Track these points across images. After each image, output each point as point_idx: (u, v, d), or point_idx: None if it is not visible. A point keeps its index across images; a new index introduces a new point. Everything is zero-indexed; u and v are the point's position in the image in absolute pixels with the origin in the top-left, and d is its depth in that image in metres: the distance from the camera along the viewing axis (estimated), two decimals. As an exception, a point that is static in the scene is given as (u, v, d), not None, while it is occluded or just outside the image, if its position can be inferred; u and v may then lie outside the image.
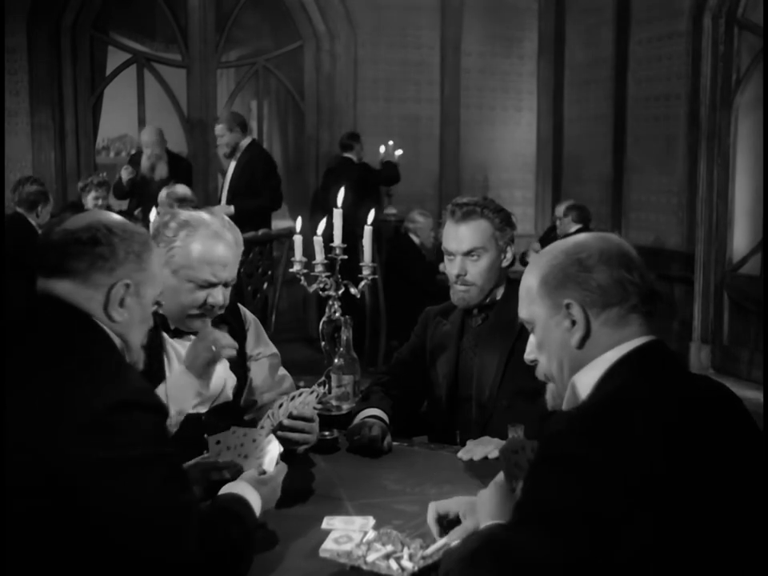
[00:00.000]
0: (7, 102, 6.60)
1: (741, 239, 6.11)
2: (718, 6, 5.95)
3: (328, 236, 2.39)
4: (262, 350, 2.41)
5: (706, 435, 1.34)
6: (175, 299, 2.12)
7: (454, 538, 1.62)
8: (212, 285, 2.14)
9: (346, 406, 2.36)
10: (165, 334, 2.19)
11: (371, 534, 1.72)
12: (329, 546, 1.69)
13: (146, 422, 1.43)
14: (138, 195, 6.23)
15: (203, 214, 2.20)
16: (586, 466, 1.28)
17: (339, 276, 2.39)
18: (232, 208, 5.77)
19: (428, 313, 2.69)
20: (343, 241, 2.40)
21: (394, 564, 1.59)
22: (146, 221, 2.47)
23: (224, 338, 2.12)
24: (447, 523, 1.67)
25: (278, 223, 6.26)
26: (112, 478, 1.37)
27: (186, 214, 2.20)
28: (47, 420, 1.36)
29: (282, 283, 5.82)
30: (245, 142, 6.05)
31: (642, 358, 1.43)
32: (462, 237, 2.48)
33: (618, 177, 6.92)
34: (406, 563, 1.59)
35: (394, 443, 2.35)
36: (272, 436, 1.89)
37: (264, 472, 1.75)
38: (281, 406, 2.10)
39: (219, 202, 6.16)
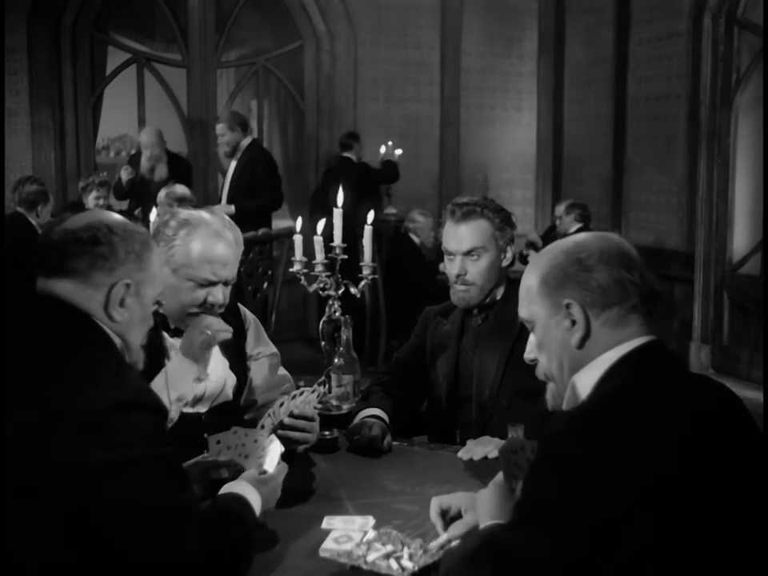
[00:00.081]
0: (7, 101, 6.60)
1: (741, 239, 6.11)
2: (717, 5, 5.95)
3: (328, 236, 2.39)
4: (262, 349, 2.41)
5: (706, 435, 1.34)
6: (175, 298, 2.12)
7: (455, 533, 1.62)
8: (212, 283, 2.14)
9: (345, 406, 2.36)
10: (165, 334, 2.19)
11: (371, 534, 1.72)
12: (329, 546, 1.69)
13: (145, 422, 1.43)
14: (138, 196, 6.22)
15: (203, 213, 2.20)
16: (586, 466, 1.28)
17: (339, 276, 2.39)
18: (233, 207, 5.77)
19: (428, 313, 2.69)
20: (343, 241, 2.40)
21: (394, 564, 1.59)
22: (145, 221, 2.47)
23: (217, 322, 2.12)
24: (449, 519, 1.68)
25: (278, 223, 6.26)
26: (112, 478, 1.37)
27: (185, 212, 2.20)
28: (47, 420, 1.36)
29: (281, 283, 5.83)
30: (245, 142, 6.05)
31: (642, 358, 1.43)
32: (461, 237, 2.48)
33: (618, 177, 6.92)
34: (406, 563, 1.59)
35: (394, 443, 2.35)
36: (273, 436, 1.90)
37: (264, 472, 1.75)
38: (282, 404, 2.10)
39: (219, 201, 6.16)
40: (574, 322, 1.46)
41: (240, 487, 1.65)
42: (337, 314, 2.38)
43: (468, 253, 2.48)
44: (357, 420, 2.37)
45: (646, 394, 1.37)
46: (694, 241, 6.17)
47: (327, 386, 2.32)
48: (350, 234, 2.48)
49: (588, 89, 7.31)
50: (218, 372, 2.24)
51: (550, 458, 1.33)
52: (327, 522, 1.81)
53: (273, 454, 1.81)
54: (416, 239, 6.32)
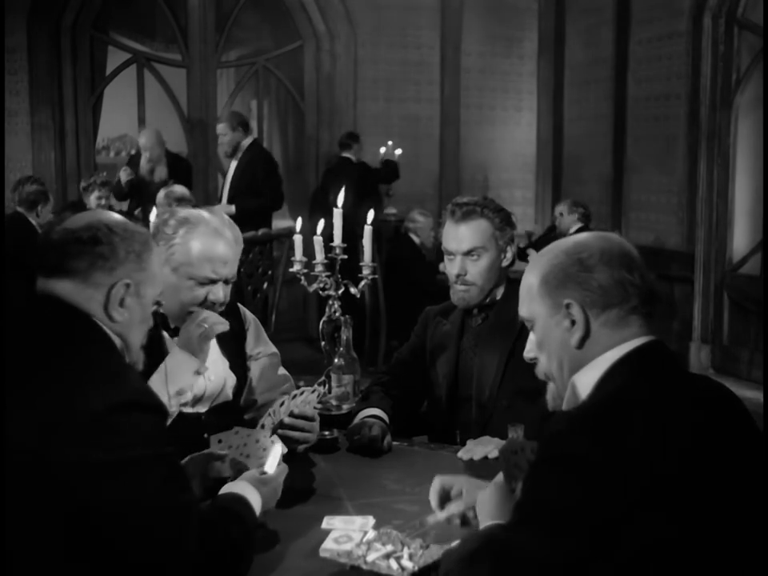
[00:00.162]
0: (7, 101, 6.60)
1: (741, 239, 6.11)
2: (717, 5, 5.95)
3: (328, 236, 2.39)
4: (262, 349, 2.41)
5: (706, 435, 1.34)
6: (176, 297, 2.12)
7: (451, 511, 1.64)
8: (212, 282, 2.15)
9: (345, 406, 2.36)
10: (165, 333, 2.19)
11: (371, 534, 1.72)
12: (329, 546, 1.69)
13: (145, 422, 1.43)
14: (138, 196, 6.22)
15: (202, 212, 2.21)
16: (586, 466, 1.28)
17: (339, 276, 2.39)
18: (233, 207, 5.77)
19: (428, 313, 2.69)
20: (343, 241, 2.40)
21: (394, 564, 1.60)
22: (146, 221, 2.47)
23: (214, 315, 2.12)
24: (450, 498, 1.70)
25: (278, 223, 6.26)
26: (112, 478, 1.37)
27: (185, 211, 2.21)
28: (47, 420, 1.36)
29: (281, 283, 5.83)
30: (246, 142, 6.05)
31: (642, 358, 1.43)
32: (461, 237, 2.48)
33: (618, 177, 6.92)
34: (406, 563, 1.59)
35: (394, 443, 2.35)
36: (276, 437, 1.90)
37: (265, 472, 1.75)
38: (282, 404, 2.10)
39: (220, 201, 6.16)
40: (573, 322, 1.46)
41: (240, 487, 1.66)
42: (337, 314, 2.38)
43: (468, 253, 2.48)
44: (357, 420, 2.37)
45: (646, 394, 1.37)
46: (694, 241, 6.17)
47: (327, 386, 2.32)
48: (349, 233, 2.48)
49: (588, 89, 7.31)
50: (218, 372, 2.24)
51: (550, 458, 1.33)
52: (327, 522, 1.81)
53: (274, 455, 1.82)
54: (416, 239, 6.32)
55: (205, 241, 2.14)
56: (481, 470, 2.11)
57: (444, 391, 2.55)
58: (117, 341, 1.56)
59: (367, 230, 2.46)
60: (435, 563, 1.58)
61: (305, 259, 2.41)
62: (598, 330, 1.45)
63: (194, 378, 2.07)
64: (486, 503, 1.62)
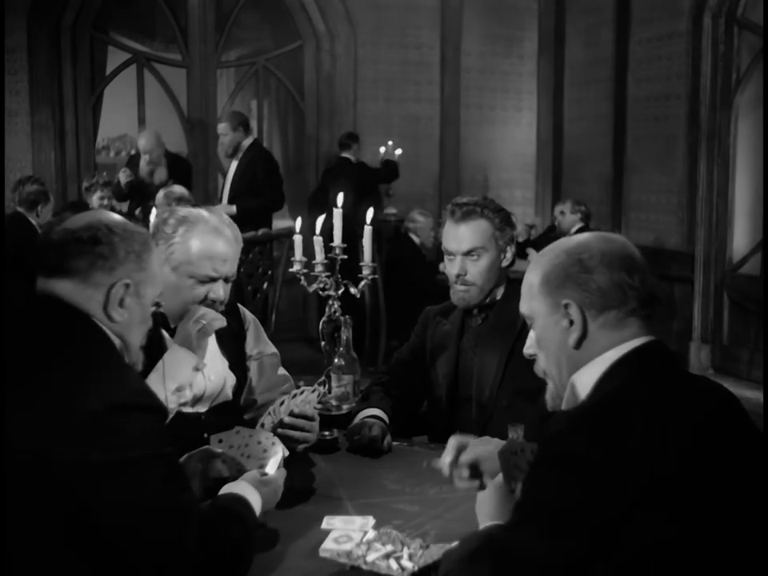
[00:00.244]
0: (7, 101, 6.60)
1: (741, 239, 6.11)
2: (717, 5, 5.95)
3: (328, 236, 2.39)
4: (262, 349, 2.41)
5: (705, 435, 1.34)
6: (176, 296, 2.12)
7: (461, 459, 1.78)
8: (213, 279, 2.15)
9: (345, 406, 2.36)
10: (165, 333, 2.19)
11: (371, 534, 1.72)
12: (329, 546, 1.69)
13: (145, 422, 1.42)
14: (138, 197, 6.22)
15: (201, 211, 2.21)
16: (586, 466, 1.28)
17: (339, 276, 2.39)
18: (234, 208, 5.77)
19: (428, 313, 2.69)
20: (343, 241, 2.40)
21: (393, 564, 1.60)
22: (146, 221, 2.47)
23: (210, 311, 2.12)
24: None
25: (278, 223, 6.26)
26: (112, 478, 1.37)
27: (184, 210, 2.21)
28: (47, 420, 1.36)
29: (281, 283, 5.82)
30: (246, 142, 6.05)
31: (642, 358, 1.44)
32: (461, 237, 2.48)
33: (618, 177, 6.92)
34: (406, 563, 1.59)
35: (394, 443, 2.35)
36: (278, 439, 1.90)
37: (265, 473, 1.75)
38: (282, 403, 2.10)
39: (220, 201, 6.15)
40: (571, 322, 1.47)
41: (240, 488, 1.66)
42: (337, 314, 2.38)
43: (468, 253, 2.48)
44: (357, 420, 2.37)
45: (646, 394, 1.37)
46: (694, 241, 6.17)
47: (327, 386, 2.32)
48: (349, 233, 2.48)
49: (588, 89, 7.31)
50: (218, 372, 2.24)
51: (550, 458, 1.33)
52: (327, 522, 1.81)
53: (276, 456, 1.82)
54: (416, 239, 6.32)
55: (204, 239, 2.14)
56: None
57: (444, 391, 2.55)
58: (116, 341, 1.56)
59: (367, 230, 2.46)
60: (435, 563, 1.58)
61: (305, 259, 2.41)
62: (595, 331, 1.46)
63: (192, 374, 2.07)
64: (485, 504, 1.63)
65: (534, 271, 1.53)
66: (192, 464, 1.82)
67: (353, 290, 2.41)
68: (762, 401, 4.64)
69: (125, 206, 6.34)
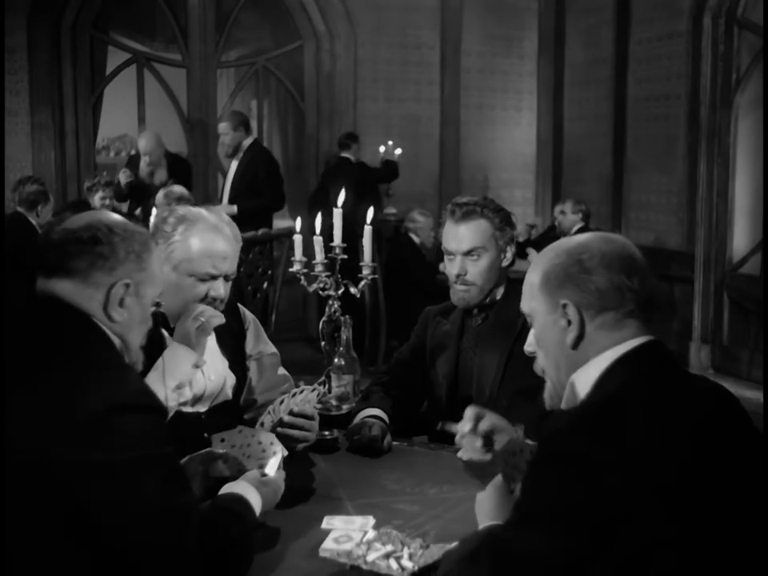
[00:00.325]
0: (7, 101, 6.60)
1: (741, 239, 6.11)
2: (717, 5, 5.95)
3: (328, 236, 2.39)
4: (262, 349, 2.41)
5: (705, 435, 1.34)
6: (177, 295, 2.12)
7: (478, 428, 1.85)
8: (213, 277, 2.15)
9: (345, 406, 2.36)
10: (165, 332, 2.19)
11: (371, 534, 1.72)
12: (329, 546, 1.69)
13: (144, 423, 1.42)
14: (138, 197, 6.22)
15: (200, 209, 2.22)
16: (586, 465, 1.28)
17: (339, 276, 2.39)
18: (235, 208, 5.77)
19: (428, 313, 2.69)
20: (343, 240, 2.40)
21: (393, 564, 1.60)
22: (146, 221, 2.47)
23: (209, 309, 2.12)
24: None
25: (278, 223, 6.26)
26: (111, 478, 1.37)
27: (183, 209, 2.22)
28: (47, 420, 1.36)
29: (281, 283, 5.83)
30: (247, 142, 6.05)
31: (641, 358, 1.44)
32: (461, 237, 2.48)
33: (618, 177, 6.92)
34: (406, 563, 1.59)
35: (394, 443, 2.35)
36: (276, 440, 1.90)
37: (265, 474, 1.75)
38: (282, 402, 2.10)
39: (221, 201, 6.15)
40: (569, 322, 1.47)
41: (241, 487, 1.66)
42: (337, 314, 2.38)
43: (468, 253, 2.48)
44: (357, 420, 2.37)
45: (646, 393, 1.37)
46: (694, 241, 6.17)
47: (327, 385, 2.32)
48: (349, 233, 2.48)
49: (588, 89, 7.31)
50: (218, 371, 2.24)
51: (550, 457, 1.33)
52: (327, 522, 1.81)
53: (276, 457, 1.82)
54: (416, 239, 6.32)
55: (204, 237, 2.14)
56: (481, 470, 2.11)
57: (444, 391, 2.55)
58: (116, 341, 1.56)
59: (367, 229, 2.46)
60: (435, 563, 1.58)
61: (305, 259, 2.40)
62: (593, 332, 1.46)
63: (192, 371, 2.06)
64: (484, 504, 1.63)
65: (535, 270, 1.54)
66: (193, 465, 1.82)
67: (353, 290, 2.41)
68: (762, 401, 4.64)
69: (125, 206, 6.34)
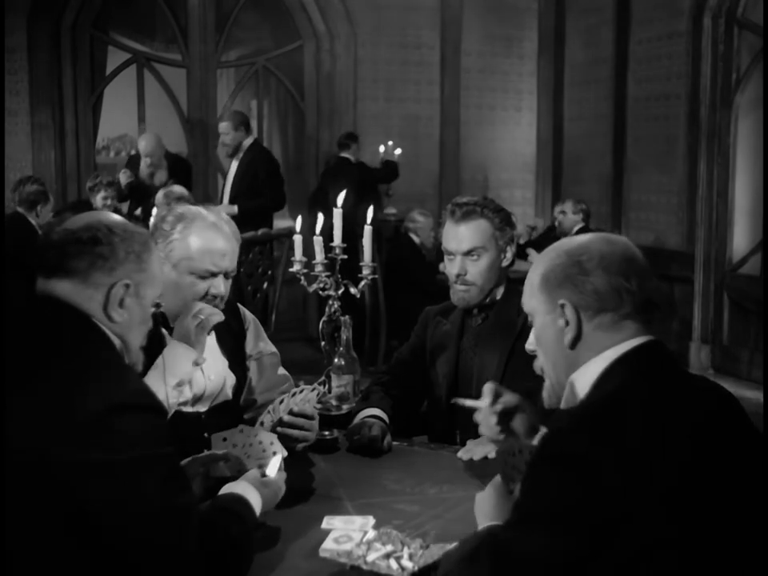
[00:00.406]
0: (7, 101, 6.60)
1: (741, 239, 6.11)
2: (718, 5, 5.95)
3: (328, 236, 2.39)
4: (262, 349, 2.41)
5: (705, 435, 1.34)
6: (177, 294, 2.12)
7: (498, 403, 1.87)
8: (213, 275, 2.16)
9: (345, 406, 2.36)
10: (165, 332, 2.19)
11: (371, 534, 1.72)
12: (329, 546, 1.69)
13: (144, 423, 1.42)
14: (138, 198, 6.22)
15: (199, 208, 2.22)
16: (586, 465, 1.28)
17: (339, 276, 2.39)
18: (236, 208, 5.77)
19: (428, 313, 2.69)
20: (343, 241, 2.40)
21: (394, 564, 1.60)
22: (146, 222, 2.48)
23: (208, 306, 2.13)
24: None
25: (278, 223, 6.26)
26: (111, 478, 1.37)
27: (182, 208, 2.23)
28: (46, 421, 1.36)
29: (281, 283, 5.83)
30: (247, 142, 6.05)
31: (641, 358, 1.44)
32: (461, 237, 2.48)
33: (618, 177, 6.92)
34: (406, 563, 1.59)
35: (394, 443, 2.35)
36: (277, 440, 1.90)
37: (265, 474, 1.75)
38: (282, 402, 2.10)
39: (221, 201, 6.15)
40: (567, 322, 1.47)
41: (241, 487, 1.66)
42: (337, 314, 2.38)
43: (468, 253, 2.48)
44: (357, 420, 2.37)
45: (646, 393, 1.37)
46: (694, 241, 6.17)
47: (327, 385, 2.32)
48: (349, 234, 2.48)
49: (588, 89, 7.31)
50: (218, 371, 2.24)
51: (550, 457, 1.33)
52: (327, 522, 1.81)
53: (277, 458, 1.82)
54: (416, 239, 6.32)
55: (203, 234, 2.15)
56: (481, 470, 2.11)
57: (444, 391, 2.55)
58: (116, 341, 1.56)
59: (367, 229, 2.46)
60: (435, 563, 1.58)
61: (305, 259, 2.40)
62: (590, 332, 1.46)
63: (192, 368, 2.07)
64: (484, 504, 1.63)
65: (536, 270, 1.55)
66: (195, 466, 1.82)
67: (353, 290, 2.41)
68: (762, 401, 4.64)
69: (125, 207, 6.34)
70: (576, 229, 6.02)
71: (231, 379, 2.28)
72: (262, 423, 2.07)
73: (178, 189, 5.05)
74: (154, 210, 2.59)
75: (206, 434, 1.98)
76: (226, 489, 1.66)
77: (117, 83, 7.31)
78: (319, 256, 2.38)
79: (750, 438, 1.40)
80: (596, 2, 7.13)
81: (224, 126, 6.05)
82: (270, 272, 5.50)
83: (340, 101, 7.39)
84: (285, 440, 1.99)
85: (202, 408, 2.18)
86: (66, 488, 1.35)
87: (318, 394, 2.16)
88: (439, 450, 2.36)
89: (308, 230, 2.40)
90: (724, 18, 5.96)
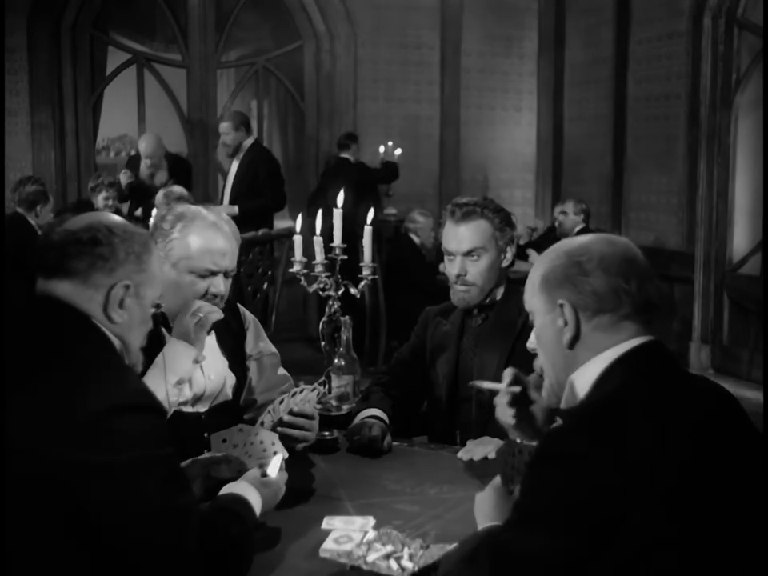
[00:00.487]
0: (7, 101, 6.60)
1: (741, 239, 6.11)
2: (718, 5, 5.95)
3: (328, 236, 2.39)
4: (262, 349, 2.41)
5: (705, 435, 1.34)
6: (177, 293, 2.13)
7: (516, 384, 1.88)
8: (213, 273, 2.16)
9: (345, 406, 2.36)
10: (165, 332, 2.19)
11: (371, 534, 1.72)
12: (329, 546, 1.69)
13: (144, 423, 1.42)
14: (138, 199, 6.22)
15: (199, 207, 2.23)
16: (586, 465, 1.28)
17: (339, 276, 2.39)
18: (236, 208, 5.77)
19: (428, 313, 2.69)
20: (343, 241, 2.40)
21: (394, 564, 1.60)
22: (146, 222, 2.48)
23: (207, 304, 2.13)
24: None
25: (278, 223, 6.27)
26: (111, 479, 1.37)
27: (181, 207, 2.23)
28: (46, 422, 1.36)
29: (281, 283, 5.83)
30: (248, 142, 6.05)
31: (641, 358, 1.44)
32: (461, 237, 2.48)
33: (618, 177, 6.92)
34: (406, 563, 1.59)
35: (394, 443, 2.35)
36: (278, 440, 1.90)
37: (265, 474, 1.75)
38: (282, 402, 2.10)
39: (221, 202, 6.15)
40: (566, 322, 1.48)
41: (241, 488, 1.66)
42: (337, 314, 2.38)
43: (468, 253, 2.48)
44: (357, 420, 2.37)
45: (646, 393, 1.37)
46: (694, 241, 6.17)
47: (327, 386, 2.32)
48: (349, 234, 2.48)
49: (588, 89, 7.31)
50: (218, 371, 2.24)
51: (550, 457, 1.33)
52: (327, 522, 1.81)
53: (278, 458, 1.82)
54: (416, 239, 6.32)
55: (203, 234, 2.15)
56: (481, 470, 2.12)
57: (444, 391, 2.56)
58: (116, 342, 1.56)
59: (367, 230, 2.46)
60: (435, 564, 1.58)
61: (305, 259, 2.41)
62: (588, 332, 1.47)
63: (192, 367, 2.07)
64: (483, 504, 1.63)
65: (537, 269, 1.55)
66: (195, 468, 1.82)
67: (353, 291, 2.41)
68: (762, 401, 4.64)
69: (125, 207, 6.34)
70: (577, 229, 6.02)
71: (231, 379, 2.29)
72: (262, 423, 2.07)
73: (178, 189, 5.06)
74: (154, 211, 2.58)
75: (205, 434, 1.98)
76: (226, 489, 1.66)
77: (117, 83, 7.31)
78: (319, 256, 2.38)
79: (750, 438, 1.41)
80: (596, 1, 7.13)
81: (224, 127, 6.05)
82: (270, 272, 5.50)
83: (340, 101, 7.39)
84: (285, 440, 1.99)
85: (202, 408, 2.19)
86: (66, 488, 1.35)
87: (318, 394, 2.16)
88: (439, 451, 2.36)
89: (308, 231, 2.40)
90: (724, 18, 5.96)
